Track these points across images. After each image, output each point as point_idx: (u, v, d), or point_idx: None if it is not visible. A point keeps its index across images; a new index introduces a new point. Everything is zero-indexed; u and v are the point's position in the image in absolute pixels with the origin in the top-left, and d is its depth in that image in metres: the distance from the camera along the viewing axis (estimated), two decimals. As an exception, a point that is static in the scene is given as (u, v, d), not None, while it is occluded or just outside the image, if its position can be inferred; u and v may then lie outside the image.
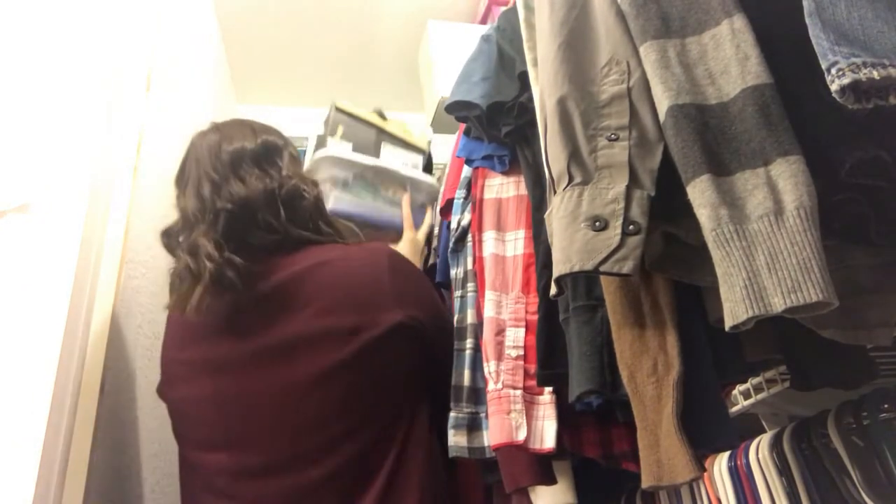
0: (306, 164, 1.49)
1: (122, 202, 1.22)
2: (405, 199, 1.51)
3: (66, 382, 1.01)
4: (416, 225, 1.53)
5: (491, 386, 1.10)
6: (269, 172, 1.12)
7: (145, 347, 1.39)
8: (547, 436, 1.04)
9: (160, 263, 1.48)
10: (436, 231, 1.63)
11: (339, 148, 1.48)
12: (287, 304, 1.03)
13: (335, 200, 1.45)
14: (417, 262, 1.48)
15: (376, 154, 1.53)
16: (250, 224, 1.08)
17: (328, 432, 1.02)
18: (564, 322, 0.91)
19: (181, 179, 1.17)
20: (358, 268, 1.09)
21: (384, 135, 1.56)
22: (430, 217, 1.55)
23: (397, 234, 1.51)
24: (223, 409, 1.04)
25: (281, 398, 1.02)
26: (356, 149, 1.50)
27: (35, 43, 1.16)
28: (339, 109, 1.56)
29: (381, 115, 1.60)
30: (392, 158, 1.53)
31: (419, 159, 1.58)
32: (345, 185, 1.47)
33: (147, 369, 1.39)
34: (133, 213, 1.25)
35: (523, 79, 1.14)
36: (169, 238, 1.17)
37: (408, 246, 1.48)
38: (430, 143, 1.65)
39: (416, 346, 1.12)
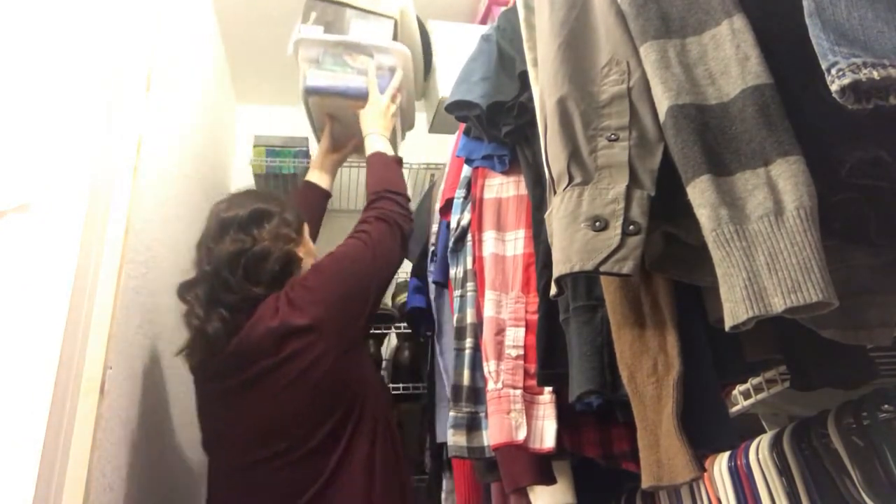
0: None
1: (122, 202, 1.22)
2: (371, 66, 1.65)
3: (66, 382, 1.01)
4: (382, 88, 1.66)
5: (491, 385, 1.10)
6: (247, 236, 1.30)
7: (145, 347, 1.38)
8: (547, 436, 1.05)
9: (160, 263, 1.48)
10: (434, 229, 1.63)
11: (310, 30, 1.64)
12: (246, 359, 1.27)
13: (309, 78, 1.63)
14: (382, 122, 1.63)
15: (346, 31, 1.66)
16: (218, 286, 1.28)
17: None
18: (565, 322, 0.91)
19: (199, 243, 1.38)
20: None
21: (353, 10, 1.69)
22: (398, 79, 1.69)
23: (366, 101, 1.65)
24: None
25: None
26: (327, 30, 1.65)
27: (35, 43, 1.16)
28: None
29: None
30: (361, 31, 1.66)
31: (389, 25, 1.69)
32: (316, 63, 1.64)
33: (147, 369, 1.39)
34: (133, 213, 1.25)
35: (523, 78, 1.14)
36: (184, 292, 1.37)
37: (371, 108, 1.64)
38: (401, 10, 1.75)
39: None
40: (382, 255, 1.40)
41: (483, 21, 2.17)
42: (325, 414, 1.25)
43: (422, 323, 1.74)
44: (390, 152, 1.62)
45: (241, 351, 1.26)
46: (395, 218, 1.46)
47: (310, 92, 1.67)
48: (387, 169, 1.56)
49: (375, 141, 1.62)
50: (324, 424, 1.25)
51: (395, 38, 1.72)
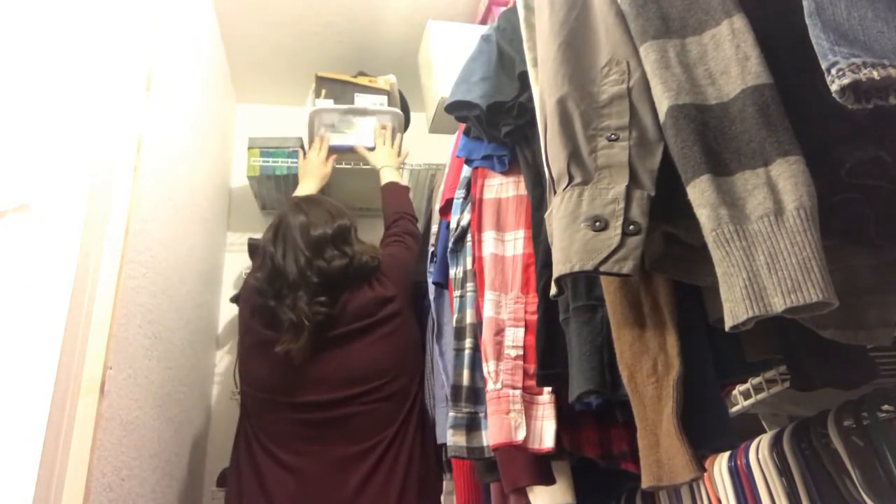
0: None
1: (122, 202, 1.22)
2: (374, 125, 2.19)
3: (66, 382, 1.01)
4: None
5: (490, 386, 1.10)
6: (344, 251, 1.70)
7: (145, 347, 1.38)
8: (546, 436, 1.04)
9: (160, 263, 1.48)
10: (434, 229, 1.64)
11: (324, 103, 2.16)
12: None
13: (330, 140, 2.16)
14: (392, 159, 2.12)
15: (351, 101, 2.19)
16: (321, 287, 1.65)
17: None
18: (564, 322, 0.91)
19: (276, 240, 1.71)
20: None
21: (356, 87, 2.23)
22: (398, 137, 2.22)
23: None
24: None
25: None
26: (336, 101, 2.18)
27: (35, 43, 1.16)
28: (320, 77, 2.23)
29: (362, 74, 2.31)
30: (363, 101, 2.20)
31: (384, 98, 2.22)
32: (333, 127, 2.18)
33: (147, 369, 1.39)
34: (133, 213, 1.25)
35: (523, 79, 1.14)
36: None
37: (381, 149, 2.14)
38: (392, 84, 2.27)
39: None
40: (415, 258, 1.84)
41: (483, 21, 2.17)
42: (405, 367, 1.67)
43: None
44: (401, 181, 2.07)
45: (346, 312, 1.65)
46: (414, 232, 1.91)
47: (330, 150, 2.16)
48: (400, 195, 2.01)
49: (388, 173, 2.07)
50: (403, 375, 1.66)
51: (388, 104, 2.23)
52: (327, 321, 1.62)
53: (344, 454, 1.57)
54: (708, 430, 0.81)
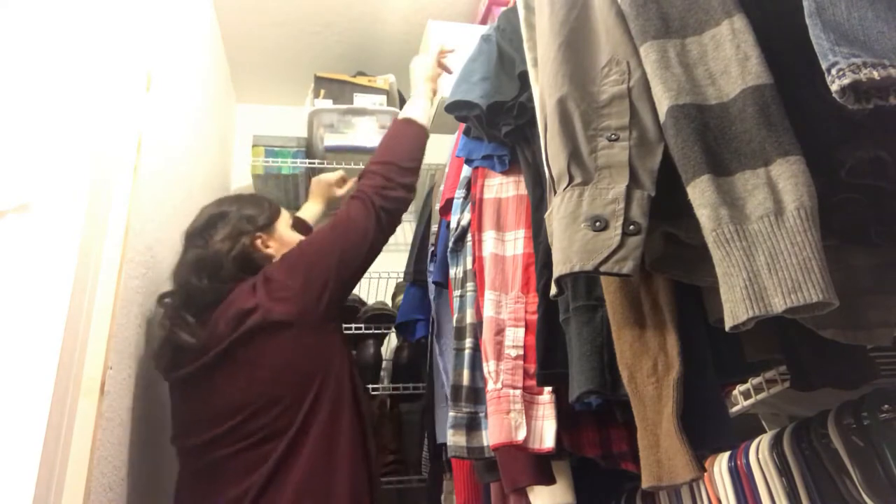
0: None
1: (122, 202, 1.22)
2: (373, 127, 2.16)
3: (66, 382, 1.01)
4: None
5: (490, 385, 1.10)
6: (203, 242, 1.41)
7: (145, 347, 1.38)
8: (546, 436, 1.05)
9: (160, 263, 1.47)
10: (434, 229, 1.64)
11: (323, 103, 2.16)
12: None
13: (327, 140, 2.15)
14: (423, 85, 1.70)
15: (351, 101, 2.18)
16: (190, 293, 1.37)
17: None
18: (565, 322, 0.91)
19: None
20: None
21: (355, 87, 2.23)
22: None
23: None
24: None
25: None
26: (335, 102, 2.17)
27: (35, 43, 1.16)
28: (319, 77, 2.23)
29: (361, 74, 2.32)
30: (363, 101, 2.19)
31: (383, 98, 2.22)
32: (332, 127, 2.17)
33: (147, 369, 1.39)
34: (133, 213, 1.25)
35: (523, 78, 1.14)
36: None
37: (421, 64, 1.78)
38: (391, 84, 2.26)
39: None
40: (349, 238, 1.40)
41: (483, 21, 2.17)
42: (279, 395, 1.26)
43: (408, 331, 1.81)
44: (416, 117, 1.58)
45: (210, 333, 1.30)
46: (369, 195, 1.44)
47: (329, 150, 2.16)
48: (391, 139, 1.56)
49: (407, 106, 1.63)
50: (276, 405, 1.25)
51: (388, 104, 2.22)
52: (185, 347, 1.29)
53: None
54: (708, 430, 0.81)
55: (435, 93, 1.71)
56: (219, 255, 1.38)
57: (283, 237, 1.48)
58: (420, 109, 1.60)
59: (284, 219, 1.52)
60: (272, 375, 1.27)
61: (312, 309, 1.32)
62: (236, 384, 1.27)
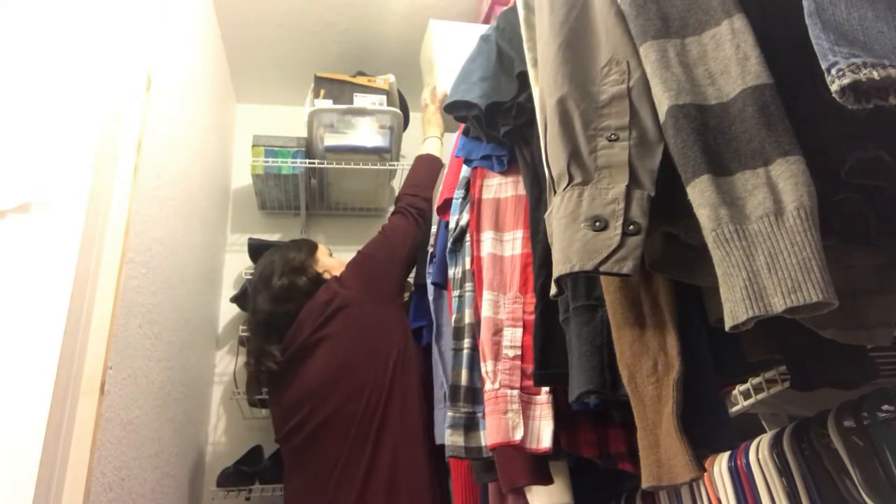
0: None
1: (122, 202, 1.22)
2: (373, 127, 2.21)
3: (66, 382, 1.01)
4: (387, 144, 2.22)
5: (488, 386, 1.10)
6: (269, 287, 1.81)
7: (145, 347, 1.38)
8: (543, 436, 1.04)
9: (160, 263, 1.48)
10: (434, 229, 1.64)
11: (323, 103, 2.15)
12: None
13: (327, 140, 2.16)
14: (427, 127, 2.05)
15: (350, 101, 2.18)
16: (273, 327, 1.79)
17: None
18: (564, 322, 0.91)
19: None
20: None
21: (355, 86, 2.22)
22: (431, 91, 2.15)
23: (374, 155, 2.21)
24: None
25: None
26: (335, 101, 2.17)
27: (35, 43, 1.16)
28: (319, 77, 2.22)
29: (361, 74, 2.33)
30: (362, 101, 2.19)
31: (383, 97, 2.21)
32: (332, 128, 2.17)
33: (147, 369, 1.39)
34: (133, 213, 1.25)
35: (522, 79, 1.14)
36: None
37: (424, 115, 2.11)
38: (391, 84, 2.26)
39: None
40: (396, 236, 1.85)
41: (486, 21, 2.17)
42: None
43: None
44: (431, 151, 2.01)
45: (294, 333, 1.71)
46: (405, 206, 1.90)
47: (329, 150, 2.18)
48: (415, 171, 1.99)
49: (424, 144, 2.04)
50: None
51: (388, 104, 2.23)
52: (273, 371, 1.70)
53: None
54: (708, 429, 0.81)
55: (441, 129, 2.04)
56: (286, 287, 1.78)
57: (325, 262, 1.89)
58: (432, 147, 2.02)
59: (322, 250, 1.93)
60: (362, 339, 1.67)
61: (377, 289, 1.75)
62: (326, 359, 1.65)
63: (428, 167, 1.99)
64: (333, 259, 1.94)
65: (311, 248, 1.92)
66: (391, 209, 1.96)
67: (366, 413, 1.59)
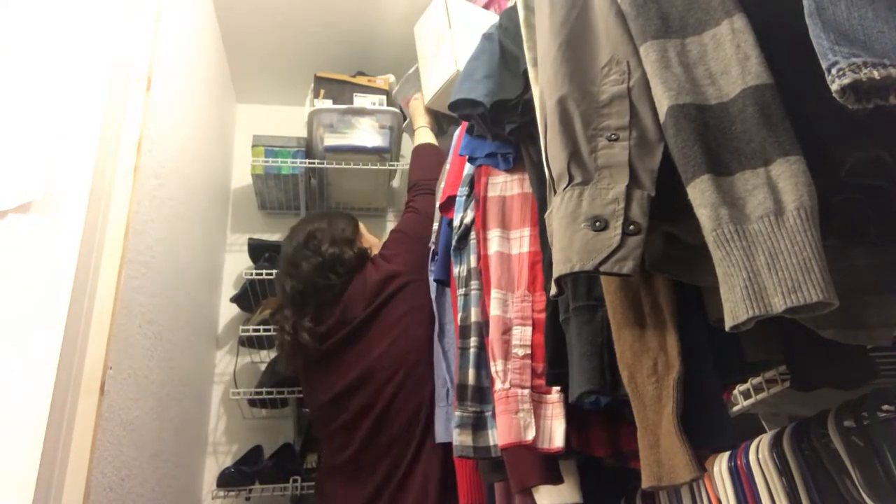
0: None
1: (122, 202, 1.22)
2: (373, 127, 2.21)
3: (66, 382, 1.01)
4: (387, 143, 2.23)
5: (498, 385, 1.09)
6: (315, 253, 1.74)
7: (145, 347, 1.38)
8: (556, 435, 1.04)
9: (160, 264, 1.48)
10: (435, 227, 1.64)
11: (323, 103, 2.16)
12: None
13: (327, 140, 2.16)
14: (415, 118, 2.05)
15: (350, 101, 2.19)
16: (311, 294, 1.73)
17: None
18: (565, 322, 0.91)
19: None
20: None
21: (355, 86, 2.23)
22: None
23: (374, 155, 2.22)
24: None
25: None
26: (335, 102, 2.18)
27: (36, 43, 1.16)
28: (319, 77, 2.23)
29: (361, 74, 2.35)
30: (362, 101, 2.20)
31: (383, 97, 2.22)
32: (332, 128, 2.17)
33: (147, 369, 1.39)
34: (133, 213, 1.25)
35: (527, 76, 1.14)
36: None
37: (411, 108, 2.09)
38: (391, 83, 2.28)
39: None
40: (428, 214, 1.78)
41: (486, 6, 2.15)
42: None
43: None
44: (426, 140, 1.99)
45: (342, 313, 1.67)
46: (426, 189, 1.85)
47: (328, 150, 2.17)
48: (417, 159, 1.97)
49: (416, 135, 2.03)
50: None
51: (387, 104, 2.23)
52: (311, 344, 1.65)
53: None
54: (708, 430, 0.81)
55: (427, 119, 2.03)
56: (336, 257, 1.72)
57: (369, 238, 1.87)
58: (424, 137, 1.99)
59: (362, 227, 1.89)
60: (423, 318, 1.63)
61: (423, 264, 1.68)
62: (394, 337, 1.63)
63: (423, 158, 1.95)
64: (372, 236, 1.91)
65: (355, 222, 1.88)
66: (405, 200, 1.92)
67: (417, 396, 1.57)
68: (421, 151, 1.97)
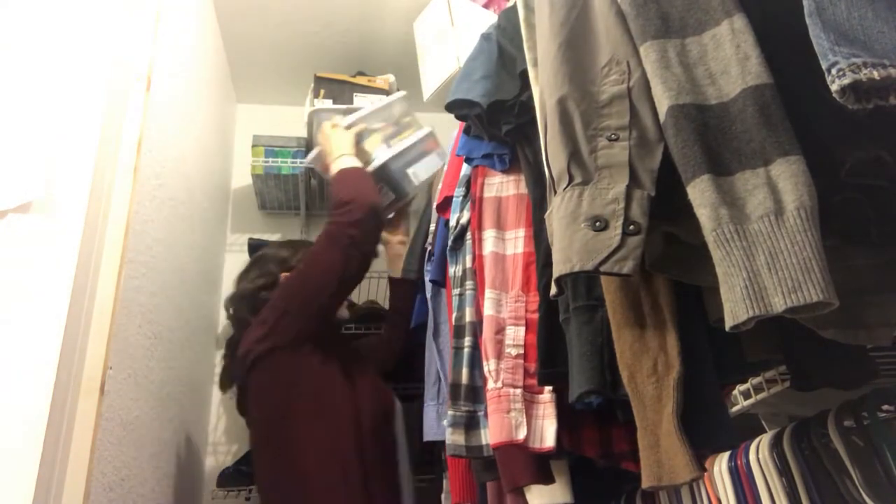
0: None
1: (122, 202, 1.22)
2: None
3: (66, 382, 1.01)
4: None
5: (490, 384, 1.10)
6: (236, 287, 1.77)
7: (145, 347, 1.38)
8: (547, 435, 1.04)
9: (160, 264, 1.48)
10: (433, 227, 1.64)
11: (323, 103, 2.15)
12: None
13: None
14: (330, 144, 1.78)
15: (350, 101, 2.18)
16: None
17: None
18: (564, 322, 0.91)
19: None
20: None
21: (355, 86, 2.23)
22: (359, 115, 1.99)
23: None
24: None
25: None
26: (335, 101, 2.18)
27: (36, 43, 1.16)
28: (319, 77, 2.22)
29: (361, 74, 2.34)
30: (362, 101, 2.18)
31: (383, 97, 2.14)
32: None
33: (147, 369, 1.39)
34: (133, 213, 1.25)
35: (524, 77, 1.14)
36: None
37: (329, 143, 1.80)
38: (391, 83, 2.28)
39: None
40: (316, 268, 1.58)
41: (486, 6, 2.15)
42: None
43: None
44: (347, 164, 1.70)
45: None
46: (334, 231, 1.58)
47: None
48: (335, 186, 1.67)
49: (335, 165, 1.72)
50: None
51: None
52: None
53: None
54: (708, 430, 0.81)
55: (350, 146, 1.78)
56: (247, 292, 1.69)
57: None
58: (347, 163, 1.70)
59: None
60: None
61: (293, 331, 1.51)
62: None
63: (341, 183, 1.66)
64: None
65: (287, 261, 1.75)
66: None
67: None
68: (349, 173, 1.68)
